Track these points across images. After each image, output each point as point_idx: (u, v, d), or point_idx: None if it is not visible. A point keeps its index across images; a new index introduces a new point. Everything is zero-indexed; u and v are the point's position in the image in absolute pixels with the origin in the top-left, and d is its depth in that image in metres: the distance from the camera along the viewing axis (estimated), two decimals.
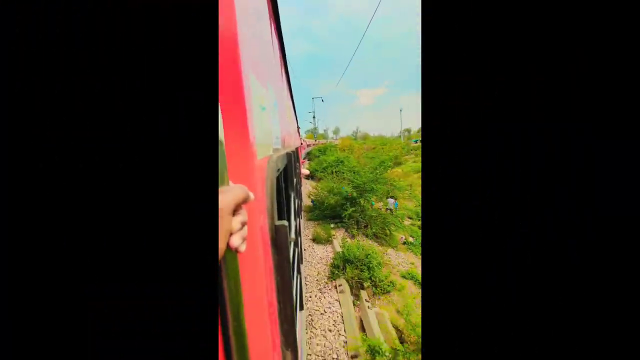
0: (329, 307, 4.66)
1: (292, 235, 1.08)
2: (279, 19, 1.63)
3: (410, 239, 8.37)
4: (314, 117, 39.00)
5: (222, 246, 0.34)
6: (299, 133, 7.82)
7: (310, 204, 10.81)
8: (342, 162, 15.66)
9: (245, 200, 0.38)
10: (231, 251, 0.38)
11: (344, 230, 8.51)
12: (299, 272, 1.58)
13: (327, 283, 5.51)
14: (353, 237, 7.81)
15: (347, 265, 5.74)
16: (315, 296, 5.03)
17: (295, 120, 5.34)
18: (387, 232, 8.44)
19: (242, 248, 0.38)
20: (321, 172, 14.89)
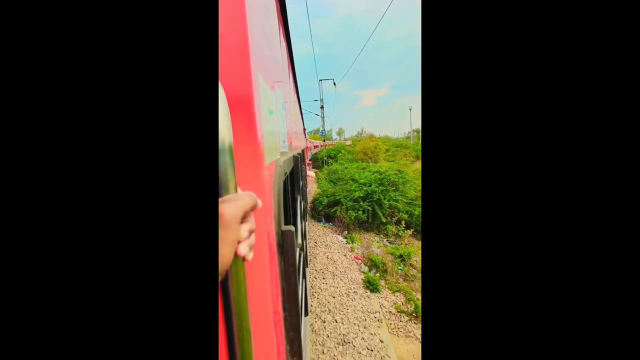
0: None
1: (299, 240, 1.07)
2: (287, 20, 1.63)
3: None
4: (322, 107, 24.69)
5: (229, 255, 0.33)
6: (304, 134, 7.80)
7: None
8: (389, 183, 7.12)
9: (253, 208, 0.37)
10: (239, 260, 0.38)
11: None
12: (304, 276, 1.58)
13: None
14: None
15: None
16: None
17: (302, 122, 5.35)
18: None
19: (250, 256, 0.38)
20: (352, 208, 6.65)
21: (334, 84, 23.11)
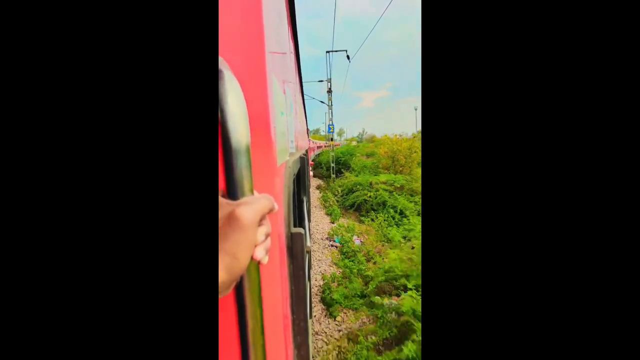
0: None
1: (308, 243, 1.06)
2: (295, 22, 1.63)
3: None
4: (329, 90, 15.09)
5: (246, 259, 0.33)
6: (307, 134, 7.71)
7: None
8: None
9: (270, 211, 0.36)
10: (254, 264, 0.37)
11: None
12: (309, 278, 1.57)
13: None
14: None
15: None
16: None
17: (305, 121, 5.35)
18: None
19: (265, 260, 0.37)
20: None
21: (348, 57, 13.62)
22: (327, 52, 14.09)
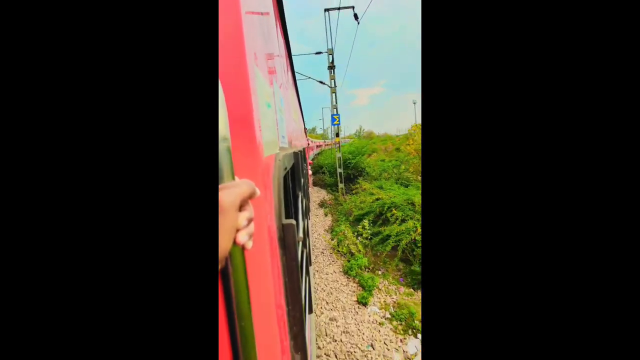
0: None
1: (300, 234, 1.07)
2: (284, 19, 1.63)
3: None
4: (330, 66, 8.84)
5: (228, 243, 0.33)
6: (305, 134, 7.64)
7: None
8: None
9: (251, 196, 0.37)
10: (238, 248, 0.37)
11: None
12: (307, 273, 1.57)
13: None
14: None
15: None
16: None
17: (302, 122, 5.35)
18: None
19: (249, 245, 0.37)
20: None
21: (355, 16, 8.30)
22: (326, 10, 8.91)
